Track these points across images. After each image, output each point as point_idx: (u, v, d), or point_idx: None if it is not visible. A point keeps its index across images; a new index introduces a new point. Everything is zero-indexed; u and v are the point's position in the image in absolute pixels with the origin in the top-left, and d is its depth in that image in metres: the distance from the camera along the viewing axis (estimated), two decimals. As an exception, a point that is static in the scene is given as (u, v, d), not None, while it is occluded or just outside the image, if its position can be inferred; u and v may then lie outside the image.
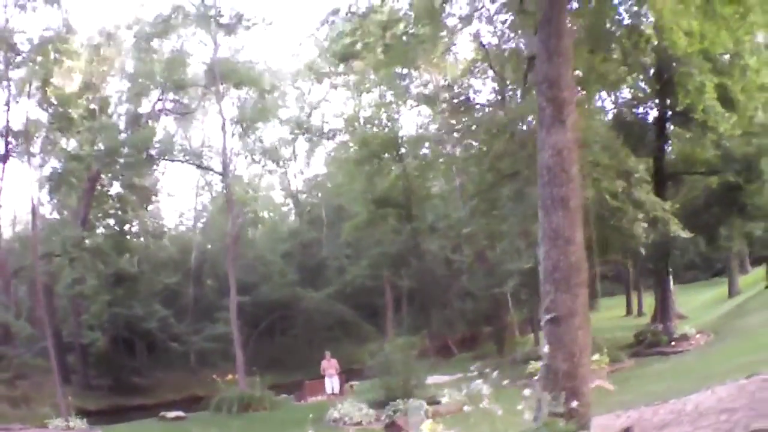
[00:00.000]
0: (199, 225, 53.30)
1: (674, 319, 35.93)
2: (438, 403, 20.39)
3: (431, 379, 26.47)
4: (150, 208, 48.18)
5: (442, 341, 43.96)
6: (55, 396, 29.56)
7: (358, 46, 26.43)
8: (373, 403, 21.01)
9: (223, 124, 35.13)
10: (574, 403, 9.85)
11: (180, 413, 27.12)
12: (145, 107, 42.13)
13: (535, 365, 23.83)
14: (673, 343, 27.55)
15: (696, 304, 44.18)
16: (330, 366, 27.12)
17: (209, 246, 48.91)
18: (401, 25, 24.17)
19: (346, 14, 27.14)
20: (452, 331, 45.00)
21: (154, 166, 43.49)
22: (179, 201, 56.05)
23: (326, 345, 31.86)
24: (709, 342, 27.43)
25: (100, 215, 43.86)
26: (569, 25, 12.04)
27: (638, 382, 20.07)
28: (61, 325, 41.75)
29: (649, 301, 41.26)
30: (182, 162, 41.91)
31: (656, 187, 30.01)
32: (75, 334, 40.03)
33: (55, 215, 46.72)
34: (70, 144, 42.29)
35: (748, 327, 26.78)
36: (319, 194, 57.29)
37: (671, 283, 35.53)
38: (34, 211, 37.66)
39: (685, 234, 15.35)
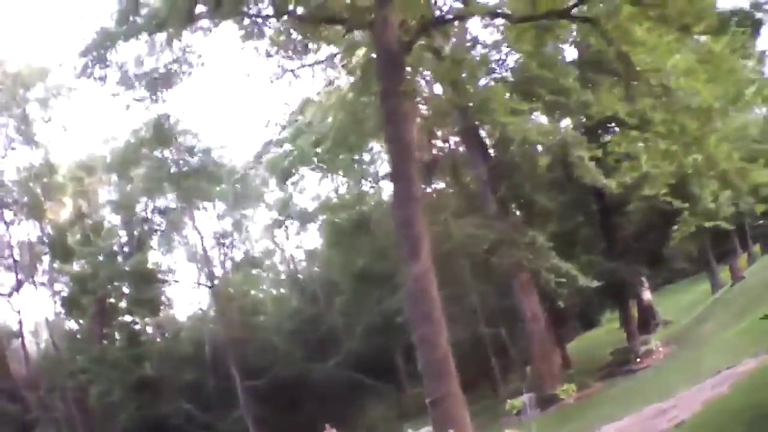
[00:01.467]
0: (211, 313, 55.91)
1: (657, 328, 36.90)
2: None
3: (425, 430, 29.92)
4: (160, 314, 51.60)
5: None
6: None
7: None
8: None
9: (202, 240, 38.92)
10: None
11: None
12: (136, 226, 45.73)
13: (511, 403, 26.70)
14: (638, 360, 28.19)
15: (684, 303, 43.89)
16: None
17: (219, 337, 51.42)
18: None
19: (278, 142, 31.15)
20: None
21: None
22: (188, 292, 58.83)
23: (344, 411, 33.77)
24: (670, 354, 28.13)
25: (115, 327, 47.08)
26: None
27: (592, 410, 21.70)
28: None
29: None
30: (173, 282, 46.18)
31: (603, 221, 32.89)
32: None
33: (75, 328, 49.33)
34: (75, 267, 45.40)
35: (704, 335, 27.54)
36: (316, 268, 59.32)
37: (646, 293, 37.06)
38: (52, 338, 41.34)
39: (591, 284, 17.63)
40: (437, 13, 14.56)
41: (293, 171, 33.63)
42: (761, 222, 42.73)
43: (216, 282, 44.69)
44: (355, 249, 42.29)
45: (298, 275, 62.65)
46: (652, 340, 30.19)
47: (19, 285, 42.15)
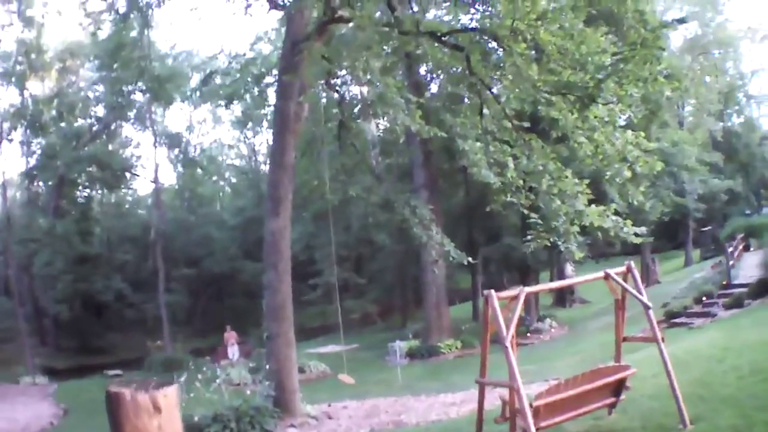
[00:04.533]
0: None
1: (573, 305, 39.31)
2: (303, 372, 24.47)
3: (325, 349, 31.17)
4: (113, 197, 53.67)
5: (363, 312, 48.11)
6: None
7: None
8: (253, 369, 23.93)
9: (154, 141, 40.85)
10: (273, 392, 15.54)
11: (118, 372, 31.17)
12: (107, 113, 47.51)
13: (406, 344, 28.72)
14: (528, 334, 29.31)
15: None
16: (230, 337, 31.54)
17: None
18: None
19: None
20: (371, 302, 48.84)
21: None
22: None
23: (261, 314, 35.75)
24: (554, 337, 29.18)
25: (69, 201, 48.85)
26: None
27: (458, 372, 21.98)
28: (39, 297, 46.72)
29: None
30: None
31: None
32: (49, 306, 44.96)
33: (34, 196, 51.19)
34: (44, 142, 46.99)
35: (591, 328, 28.26)
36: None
37: (568, 268, 37.15)
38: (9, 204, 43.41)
39: (463, 260, 19.15)
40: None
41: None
42: (708, 228, 45.03)
43: (160, 177, 46.51)
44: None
45: (250, 174, 63.55)
46: (548, 320, 31.47)
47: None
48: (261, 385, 16.38)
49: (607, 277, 7.91)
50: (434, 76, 32.92)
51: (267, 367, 16.09)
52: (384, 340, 31.14)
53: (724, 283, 22.18)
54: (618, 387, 7.69)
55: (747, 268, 23.22)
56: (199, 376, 16.36)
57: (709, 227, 45.34)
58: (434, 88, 34.77)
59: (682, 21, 32.96)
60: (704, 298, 21.40)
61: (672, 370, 7.45)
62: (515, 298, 7.08)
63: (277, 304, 15.83)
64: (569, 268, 37.51)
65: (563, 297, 40.24)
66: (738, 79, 56.43)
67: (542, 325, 30.27)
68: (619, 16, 13.56)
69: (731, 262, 23.41)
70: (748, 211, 46.30)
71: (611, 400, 7.86)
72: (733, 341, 12.00)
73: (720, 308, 19.52)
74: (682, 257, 49.06)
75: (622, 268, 8.01)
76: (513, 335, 7.13)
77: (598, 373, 7.44)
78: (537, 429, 6.92)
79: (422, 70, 32.46)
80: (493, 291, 7.06)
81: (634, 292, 7.81)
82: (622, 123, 15.22)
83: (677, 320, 20.80)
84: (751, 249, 29.20)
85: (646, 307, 7.67)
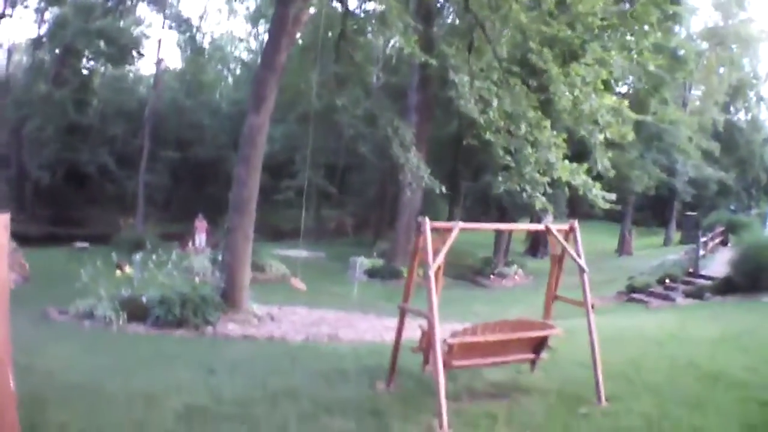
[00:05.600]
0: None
1: (545, 257, 38.29)
2: (263, 271, 25.06)
3: (293, 252, 30.77)
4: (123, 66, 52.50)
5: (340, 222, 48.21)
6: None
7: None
8: (214, 260, 23.41)
9: (162, 24, 40.25)
10: (223, 284, 15.70)
11: (86, 245, 31.19)
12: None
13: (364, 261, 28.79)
14: (492, 276, 29.69)
15: (598, 247, 42.39)
16: (200, 226, 31.53)
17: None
18: None
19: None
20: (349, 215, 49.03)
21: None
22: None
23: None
24: (517, 284, 29.12)
25: (71, 69, 47.45)
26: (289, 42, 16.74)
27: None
28: (26, 163, 45.46)
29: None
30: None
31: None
32: (32, 171, 44.47)
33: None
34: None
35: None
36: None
37: (548, 219, 37.89)
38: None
39: (438, 188, 19.14)
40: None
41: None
42: (693, 213, 44.86)
43: (164, 58, 45.62)
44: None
45: (254, 69, 61.89)
46: (514, 266, 31.36)
47: (2, 15, 43.04)
48: (213, 276, 16.49)
49: (547, 231, 7.74)
50: (447, 3, 32.10)
51: (220, 258, 16.18)
52: (352, 253, 31.22)
53: (690, 270, 22.18)
54: (539, 344, 7.60)
55: (717, 262, 22.99)
56: (154, 257, 16.47)
57: (695, 213, 45.23)
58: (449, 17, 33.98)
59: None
60: (667, 281, 21.43)
61: (598, 343, 7.28)
62: (449, 230, 6.92)
63: (243, 197, 15.86)
64: (548, 220, 37.35)
65: (537, 246, 40.11)
66: (752, 77, 55.53)
67: (507, 270, 30.24)
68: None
69: (701, 252, 23.37)
70: (732, 207, 46.14)
71: (530, 356, 7.75)
72: (680, 331, 11.92)
73: (680, 295, 19.59)
74: (663, 235, 49.25)
75: (565, 226, 7.82)
76: (440, 266, 6.97)
77: (520, 325, 7.35)
78: (449, 367, 6.88)
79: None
80: (427, 218, 6.88)
81: (572, 252, 7.64)
82: (622, 89, 15.26)
83: (636, 296, 20.95)
84: (729, 245, 29.11)
85: (582, 270, 7.50)
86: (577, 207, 33.96)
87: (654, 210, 54.20)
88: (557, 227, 7.75)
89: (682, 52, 36.87)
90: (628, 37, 11.65)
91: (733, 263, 19.21)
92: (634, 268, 27.81)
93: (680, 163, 41.65)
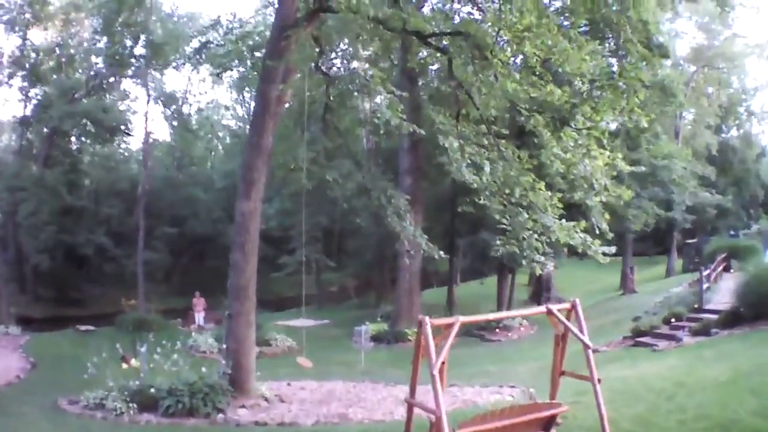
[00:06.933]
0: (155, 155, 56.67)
1: (547, 302, 38.83)
2: (269, 345, 25.45)
3: (297, 322, 31.66)
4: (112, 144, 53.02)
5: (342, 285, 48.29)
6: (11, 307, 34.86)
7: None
8: (218, 337, 23.30)
9: (149, 98, 40.68)
10: (230, 370, 15.53)
11: (90, 327, 30.75)
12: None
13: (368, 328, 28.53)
14: (497, 330, 29.15)
15: (596, 287, 44.02)
16: (198, 304, 31.56)
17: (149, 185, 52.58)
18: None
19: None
20: (350, 277, 49.06)
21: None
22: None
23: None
24: (522, 336, 28.78)
25: (60, 150, 48.46)
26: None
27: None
28: (23, 244, 45.88)
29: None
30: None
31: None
32: (30, 255, 44.65)
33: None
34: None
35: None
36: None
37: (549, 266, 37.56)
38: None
39: (436, 254, 19.18)
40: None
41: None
42: (693, 241, 44.84)
43: (152, 134, 46.14)
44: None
45: (243, 138, 62.48)
46: (518, 318, 30.25)
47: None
48: (218, 363, 16.37)
49: (549, 312, 7.78)
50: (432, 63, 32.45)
51: (225, 346, 16.11)
52: (356, 318, 31.16)
53: (696, 306, 22.04)
54: (548, 423, 7.61)
55: (722, 292, 22.85)
56: (158, 350, 16.38)
57: (695, 240, 45.14)
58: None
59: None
60: (673, 320, 21.27)
61: (606, 410, 7.34)
62: (450, 326, 6.96)
63: (241, 284, 15.77)
64: (549, 267, 37.05)
65: (539, 294, 39.88)
66: (741, 93, 55.98)
67: (512, 323, 29.90)
68: (618, 27, 13.46)
69: (706, 285, 23.19)
70: (732, 232, 46.03)
71: (541, 434, 7.77)
72: (688, 376, 11.82)
73: (687, 333, 19.38)
74: (665, 264, 49.00)
75: (567, 305, 7.87)
76: (444, 362, 7.00)
77: (529, 408, 7.36)
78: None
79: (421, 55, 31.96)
80: (427, 318, 6.91)
81: (576, 331, 7.68)
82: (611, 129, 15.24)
83: (643, 339, 20.67)
84: (732, 270, 28.99)
85: (587, 347, 7.55)
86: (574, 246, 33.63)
87: (654, 239, 54.07)
88: (558, 307, 7.79)
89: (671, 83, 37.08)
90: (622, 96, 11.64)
91: (737, 294, 19.10)
92: (639, 307, 27.64)
93: (676, 193, 41.66)
